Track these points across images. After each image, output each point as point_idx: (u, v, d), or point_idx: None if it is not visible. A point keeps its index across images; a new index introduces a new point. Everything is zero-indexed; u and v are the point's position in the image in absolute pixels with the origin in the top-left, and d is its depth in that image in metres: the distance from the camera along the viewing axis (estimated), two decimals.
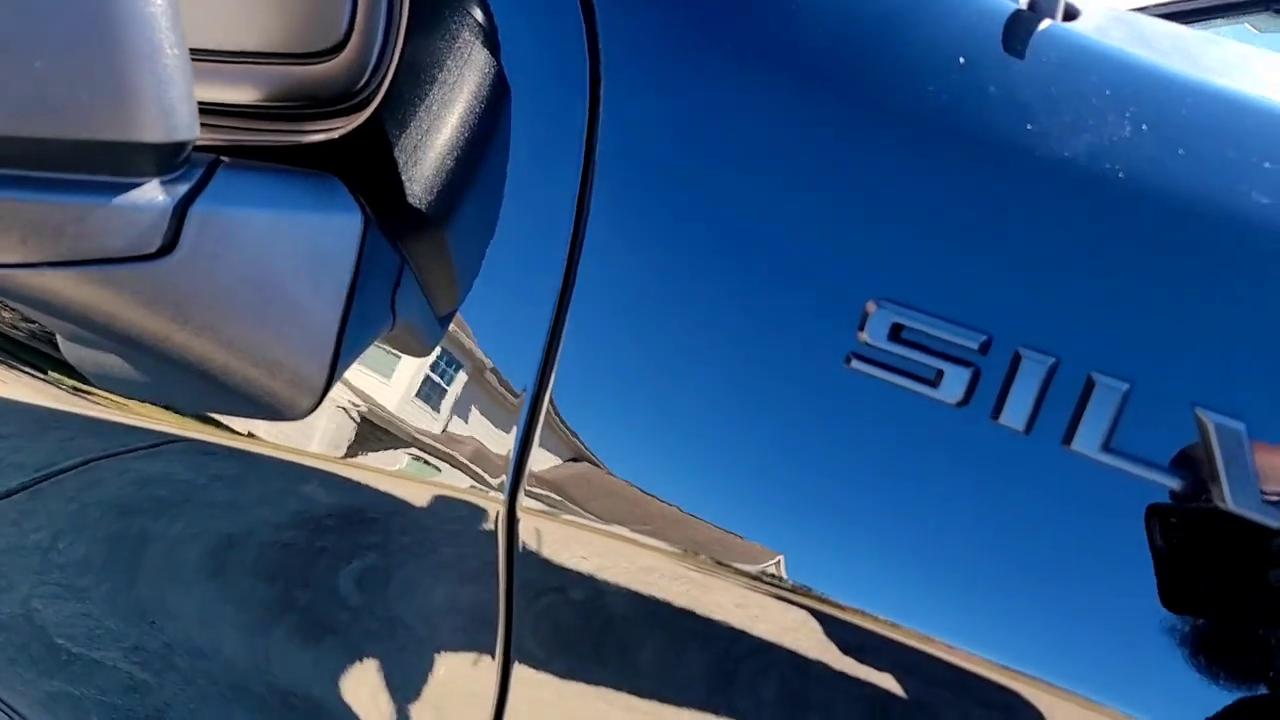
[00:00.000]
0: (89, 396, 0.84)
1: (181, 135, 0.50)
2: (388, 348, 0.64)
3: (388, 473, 0.59)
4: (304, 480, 0.68)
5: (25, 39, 0.46)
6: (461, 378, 0.60)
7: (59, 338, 0.66)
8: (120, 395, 0.70)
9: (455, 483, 0.54)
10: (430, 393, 0.61)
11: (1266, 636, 0.37)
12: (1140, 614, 0.38)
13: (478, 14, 0.60)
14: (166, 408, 0.71)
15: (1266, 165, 0.40)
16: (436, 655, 0.62)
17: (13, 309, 0.88)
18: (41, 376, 0.88)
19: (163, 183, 0.52)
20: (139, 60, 0.48)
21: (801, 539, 0.44)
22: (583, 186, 0.51)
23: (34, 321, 0.88)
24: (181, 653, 0.97)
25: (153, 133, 0.50)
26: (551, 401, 0.51)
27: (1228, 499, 0.37)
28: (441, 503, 0.56)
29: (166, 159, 0.51)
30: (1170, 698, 0.38)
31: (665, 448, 0.47)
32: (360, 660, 0.67)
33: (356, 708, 0.70)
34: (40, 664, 1.14)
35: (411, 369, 0.63)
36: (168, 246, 0.53)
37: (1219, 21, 0.70)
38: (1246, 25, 0.74)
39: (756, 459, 0.44)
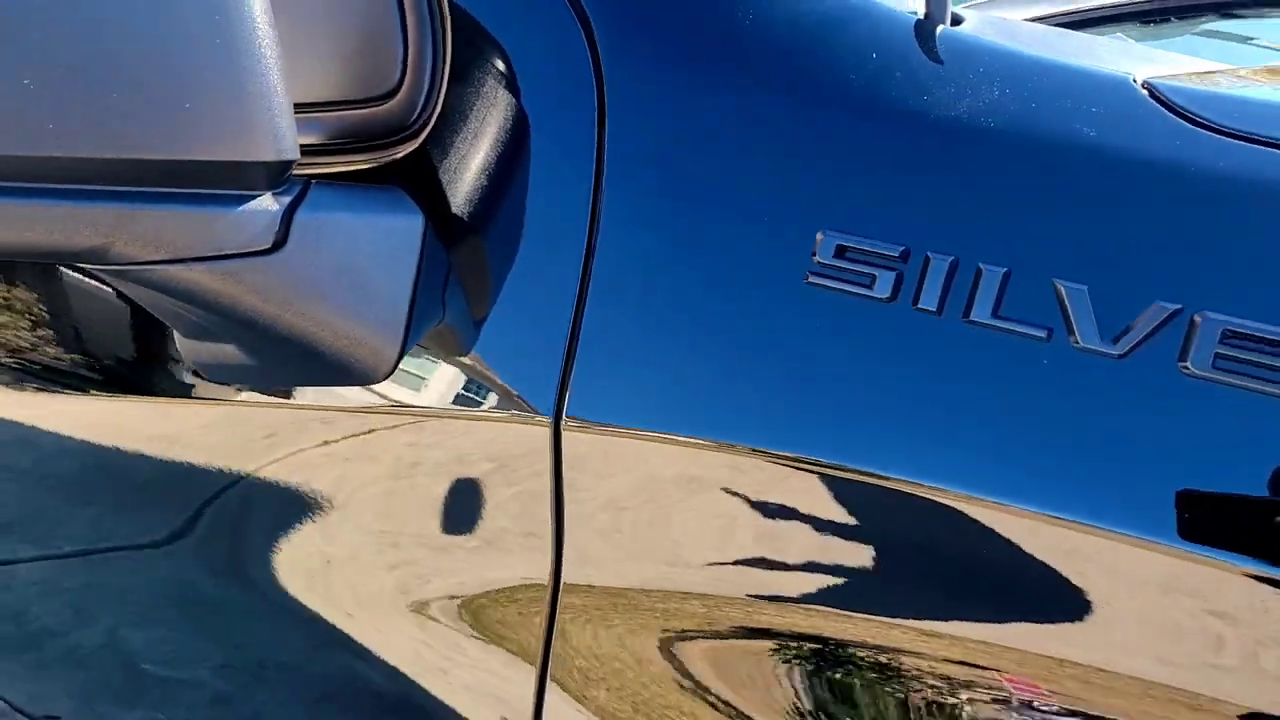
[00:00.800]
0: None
1: (288, 156, 0.66)
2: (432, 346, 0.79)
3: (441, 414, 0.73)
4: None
5: (174, 86, 0.62)
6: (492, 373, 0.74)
7: (177, 338, 0.81)
8: (227, 382, 0.84)
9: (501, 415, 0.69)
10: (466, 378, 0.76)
11: None
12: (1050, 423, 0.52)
13: (500, 65, 0.76)
14: (265, 387, 0.85)
15: (1093, 109, 0.56)
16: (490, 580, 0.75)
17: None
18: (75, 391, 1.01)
19: (273, 194, 0.68)
20: (258, 99, 0.64)
21: (786, 411, 0.58)
22: (594, 194, 0.67)
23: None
24: (272, 666, 1.08)
25: (267, 154, 0.65)
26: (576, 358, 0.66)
27: (1079, 339, 0.52)
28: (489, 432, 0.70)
29: (276, 175, 0.67)
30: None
31: (680, 365, 0.62)
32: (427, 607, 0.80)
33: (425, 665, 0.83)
34: (122, 696, 1.23)
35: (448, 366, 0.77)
36: (279, 243, 0.68)
37: (1094, 31, 0.87)
38: (1120, 35, 0.90)
39: (745, 356, 0.59)
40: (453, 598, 0.81)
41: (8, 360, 1.16)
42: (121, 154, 0.63)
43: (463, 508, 0.77)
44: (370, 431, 0.85)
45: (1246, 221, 0.52)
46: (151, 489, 1.07)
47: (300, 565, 0.93)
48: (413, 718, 0.90)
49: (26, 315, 1.15)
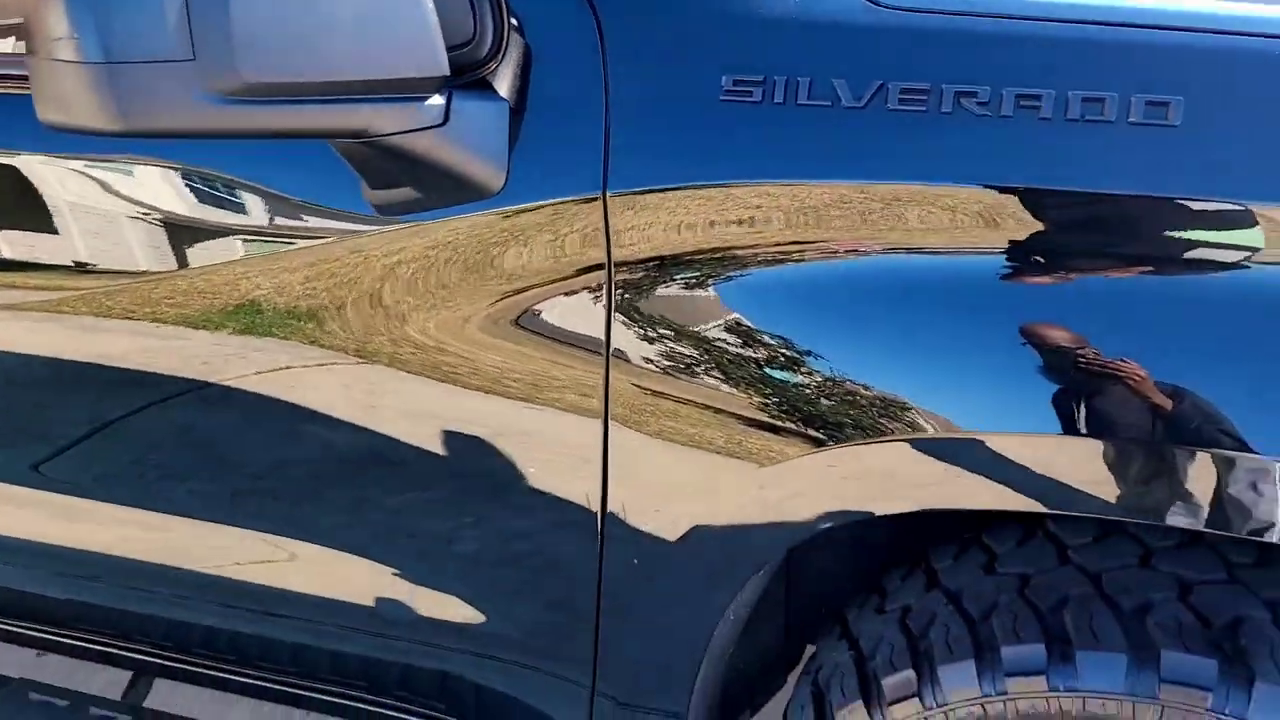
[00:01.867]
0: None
1: (445, 71, 1.29)
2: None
3: None
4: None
5: (401, 46, 1.24)
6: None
7: (364, 187, 1.43)
8: (398, 214, 1.46)
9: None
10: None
11: None
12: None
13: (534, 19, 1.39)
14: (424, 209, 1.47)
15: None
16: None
17: None
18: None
19: (439, 94, 1.31)
20: (430, 44, 1.27)
21: (715, 149, 1.27)
22: (604, 75, 1.32)
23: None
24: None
25: (435, 70, 1.28)
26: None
27: (843, 103, 1.22)
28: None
29: (440, 84, 1.30)
30: None
31: (665, 141, 1.29)
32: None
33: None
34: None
35: None
36: (445, 121, 1.32)
37: None
38: None
39: (699, 132, 1.27)
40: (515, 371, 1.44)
41: None
42: (371, 76, 1.26)
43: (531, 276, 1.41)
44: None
45: (914, 45, 1.23)
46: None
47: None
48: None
49: None
